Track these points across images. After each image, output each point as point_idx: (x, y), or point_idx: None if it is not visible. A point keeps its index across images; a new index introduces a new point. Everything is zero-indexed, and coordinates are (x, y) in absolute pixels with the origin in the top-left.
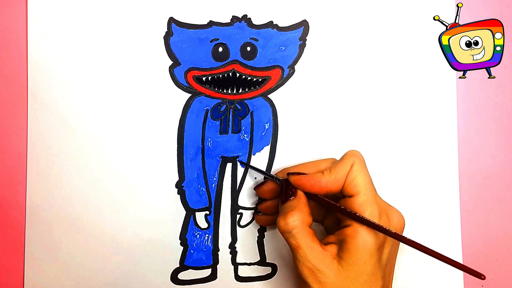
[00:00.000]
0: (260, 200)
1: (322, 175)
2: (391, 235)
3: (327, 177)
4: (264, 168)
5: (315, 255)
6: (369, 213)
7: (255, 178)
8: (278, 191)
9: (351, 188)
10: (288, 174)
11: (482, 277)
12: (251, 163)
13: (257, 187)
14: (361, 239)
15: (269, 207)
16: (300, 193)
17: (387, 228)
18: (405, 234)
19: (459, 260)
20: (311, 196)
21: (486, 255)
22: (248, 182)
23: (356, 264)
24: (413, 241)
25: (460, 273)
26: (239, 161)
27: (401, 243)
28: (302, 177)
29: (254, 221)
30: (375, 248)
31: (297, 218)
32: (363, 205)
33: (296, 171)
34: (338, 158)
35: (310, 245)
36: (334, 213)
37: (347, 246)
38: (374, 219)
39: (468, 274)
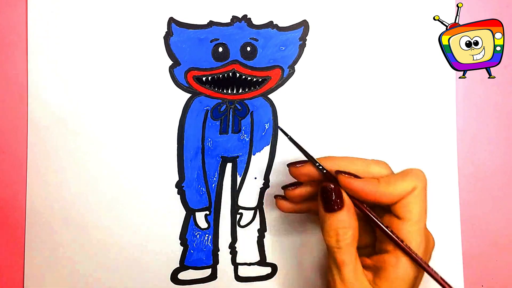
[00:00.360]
0: (289, 184)
1: (378, 184)
2: (434, 278)
3: (383, 189)
4: (264, 169)
5: (356, 276)
6: (415, 243)
7: (255, 178)
8: (317, 177)
9: (404, 212)
10: (337, 172)
11: None
12: (251, 164)
13: (292, 166)
14: (403, 270)
15: (299, 195)
16: (349, 203)
17: (431, 269)
18: None
19: (459, 260)
20: (357, 205)
21: (486, 255)
22: (248, 182)
23: None
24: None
25: (460, 273)
26: (280, 128)
27: None
28: (355, 182)
29: (254, 221)
30: (414, 278)
31: (350, 236)
32: (412, 234)
33: (345, 168)
34: (337, 157)
35: (354, 265)
36: (370, 230)
37: (386, 275)
38: (420, 249)
39: (468, 275)
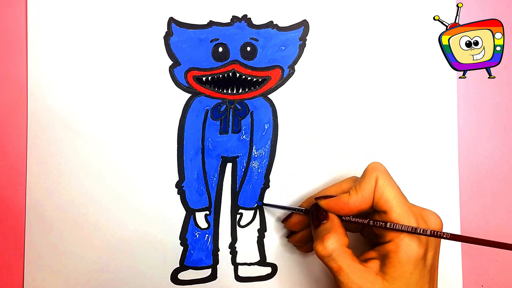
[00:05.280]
0: (290, 233)
1: (349, 196)
2: (435, 235)
3: (354, 198)
4: (264, 169)
5: (358, 274)
6: (407, 223)
7: (255, 178)
8: (307, 222)
9: (382, 204)
10: (316, 198)
11: None
12: (251, 164)
13: (285, 221)
14: (404, 253)
15: (301, 239)
16: (332, 216)
17: (429, 230)
18: None
19: (458, 260)
20: (343, 220)
21: (486, 255)
22: (248, 182)
23: (402, 277)
24: (460, 236)
25: (459, 274)
26: (257, 202)
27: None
28: (331, 201)
29: (254, 221)
30: (419, 258)
31: (335, 241)
32: (399, 220)
33: (321, 195)
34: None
35: (351, 266)
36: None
37: (390, 261)
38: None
39: (467, 275)
